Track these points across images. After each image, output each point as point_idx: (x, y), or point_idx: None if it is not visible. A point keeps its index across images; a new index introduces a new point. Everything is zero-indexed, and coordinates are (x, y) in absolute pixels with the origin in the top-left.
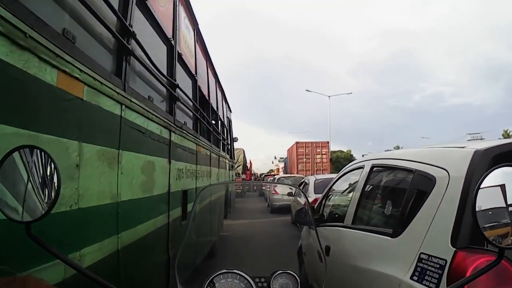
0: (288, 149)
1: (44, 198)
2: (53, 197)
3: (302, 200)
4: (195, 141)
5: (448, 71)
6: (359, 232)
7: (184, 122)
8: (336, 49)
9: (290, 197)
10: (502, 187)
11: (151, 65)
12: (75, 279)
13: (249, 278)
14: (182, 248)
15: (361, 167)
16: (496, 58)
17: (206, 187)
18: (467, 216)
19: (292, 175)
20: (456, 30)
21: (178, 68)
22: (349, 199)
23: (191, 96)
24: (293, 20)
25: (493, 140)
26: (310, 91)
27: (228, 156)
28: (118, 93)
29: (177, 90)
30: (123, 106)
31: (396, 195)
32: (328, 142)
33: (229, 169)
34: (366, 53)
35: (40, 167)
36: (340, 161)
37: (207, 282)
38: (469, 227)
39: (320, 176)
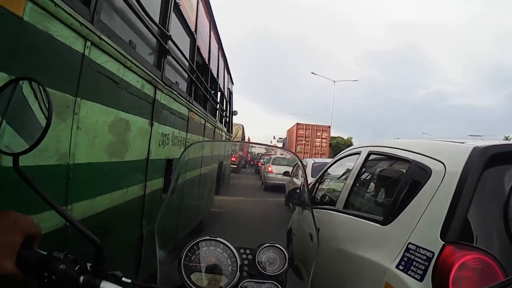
0: (288, 130)
1: (34, 131)
2: (42, 130)
3: (298, 181)
4: (188, 106)
5: (454, 70)
6: (350, 217)
7: (176, 82)
8: (345, 36)
9: (285, 177)
10: None
11: (136, 4)
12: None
13: (233, 248)
14: (162, 211)
15: (358, 153)
16: (502, 64)
17: (194, 143)
18: (459, 211)
19: (287, 155)
20: (466, 29)
21: (174, 19)
22: (343, 184)
23: (187, 55)
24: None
25: (493, 140)
26: (315, 74)
27: (225, 129)
28: (81, 23)
29: (169, 42)
30: (88, 43)
31: (390, 183)
32: (329, 127)
33: (224, 144)
34: (374, 43)
35: (32, 99)
36: (339, 147)
37: (187, 248)
38: (460, 222)
39: (319, 160)
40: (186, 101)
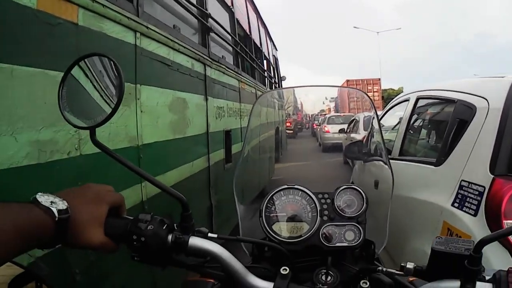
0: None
1: (107, 104)
2: (115, 102)
3: (357, 136)
4: (237, 77)
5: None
6: (404, 163)
7: (222, 56)
8: None
9: (341, 135)
10: None
11: None
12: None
13: (311, 194)
14: (239, 166)
15: (407, 100)
16: None
17: (262, 95)
18: (505, 144)
19: (343, 113)
20: None
21: None
22: (396, 132)
23: (228, 29)
24: None
25: None
26: (358, 28)
27: (277, 96)
28: (128, 18)
29: (210, 20)
30: (138, 34)
31: (440, 125)
32: (379, 79)
33: (278, 108)
34: None
35: (105, 74)
36: (391, 98)
37: (267, 200)
38: (507, 155)
39: (369, 113)
40: (235, 73)
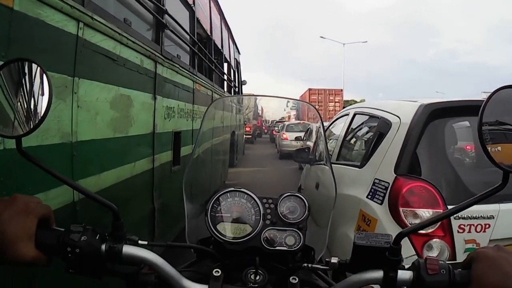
0: (301, 96)
1: (35, 112)
2: (43, 111)
3: (311, 144)
4: (192, 78)
5: (463, 28)
6: (339, 166)
7: (177, 55)
8: None
9: (298, 142)
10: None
11: None
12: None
13: (256, 198)
14: (189, 165)
15: (347, 114)
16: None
17: (218, 99)
18: (407, 151)
19: (302, 121)
20: None
21: None
22: (336, 140)
23: (187, 28)
24: None
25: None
26: (324, 38)
27: (235, 100)
28: (72, 6)
29: (166, 17)
30: (81, 24)
31: (366, 135)
32: (341, 90)
33: (236, 113)
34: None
35: (32, 81)
36: None
37: (213, 200)
38: (408, 160)
39: (326, 123)
40: (190, 73)
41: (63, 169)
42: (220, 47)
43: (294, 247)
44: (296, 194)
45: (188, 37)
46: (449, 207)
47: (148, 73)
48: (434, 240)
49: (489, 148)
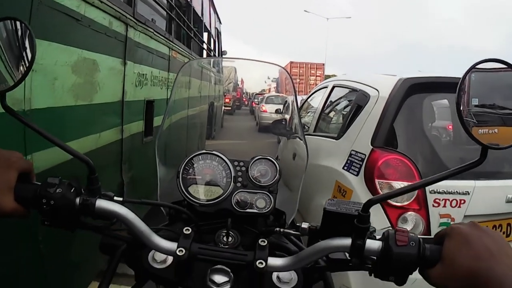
0: None
1: (18, 68)
2: (26, 67)
3: (288, 117)
4: (168, 44)
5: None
6: (316, 138)
7: (152, 19)
8: None
9: (278, 115)
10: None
11: None
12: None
13: (227, 161)
14: (161, 131)
15: (326, 87)
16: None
17: (190, 61)
18: (384, 124)
19: (281, 94)
20: None
21: None
22: (313, 113)
23: None
24: None
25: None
26: (308, 12)
27: (214, 70)
28: None
29: None
30: None
31: (344, 108)
32: (323, 64)
33: (215, 83)
34: None
35: (16, 37)
36: None
37: (185, 162)
38: (384, 132)
39: (304, 96)
40: (166, 40)
41: (16, 139)
42: (200, 15)
43: (265, 210)
44: (268, 157)
45: (165, 1)
46: None
47: (117, 37)
48: (409, 213)
49: (469, 127)
